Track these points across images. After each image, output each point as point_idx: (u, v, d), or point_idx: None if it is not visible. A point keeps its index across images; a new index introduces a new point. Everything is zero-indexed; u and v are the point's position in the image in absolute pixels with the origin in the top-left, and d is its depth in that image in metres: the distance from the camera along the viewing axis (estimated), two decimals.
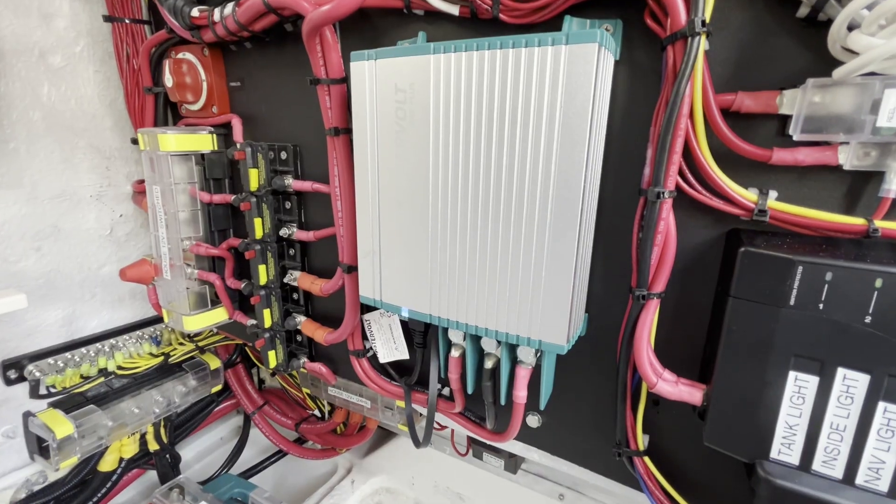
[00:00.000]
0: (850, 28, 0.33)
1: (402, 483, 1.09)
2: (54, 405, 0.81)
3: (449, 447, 1.00)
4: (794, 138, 0.37)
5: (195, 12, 0.63)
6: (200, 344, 0.99)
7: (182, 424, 1.06)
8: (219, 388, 1.03)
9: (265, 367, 0.79)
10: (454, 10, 0.49)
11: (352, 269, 0.61)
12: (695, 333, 0.47)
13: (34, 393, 0.81)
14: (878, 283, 0.34)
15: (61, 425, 0.78)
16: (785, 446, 0.39)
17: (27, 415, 0.79)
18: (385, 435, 1.19)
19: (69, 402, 0.82)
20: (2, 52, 0.73)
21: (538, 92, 0.40)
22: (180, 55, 0.73)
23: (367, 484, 1.10)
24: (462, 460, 1.01)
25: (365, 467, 1.14)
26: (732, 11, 0.39)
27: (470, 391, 0.57)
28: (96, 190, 0.88)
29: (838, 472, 0.38)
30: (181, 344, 0.99)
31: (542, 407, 0.54)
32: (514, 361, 0.51)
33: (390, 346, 0.67)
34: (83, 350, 0.86)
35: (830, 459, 0.38)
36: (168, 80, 0.72)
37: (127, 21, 0.77)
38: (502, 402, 0.54)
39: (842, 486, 0.38)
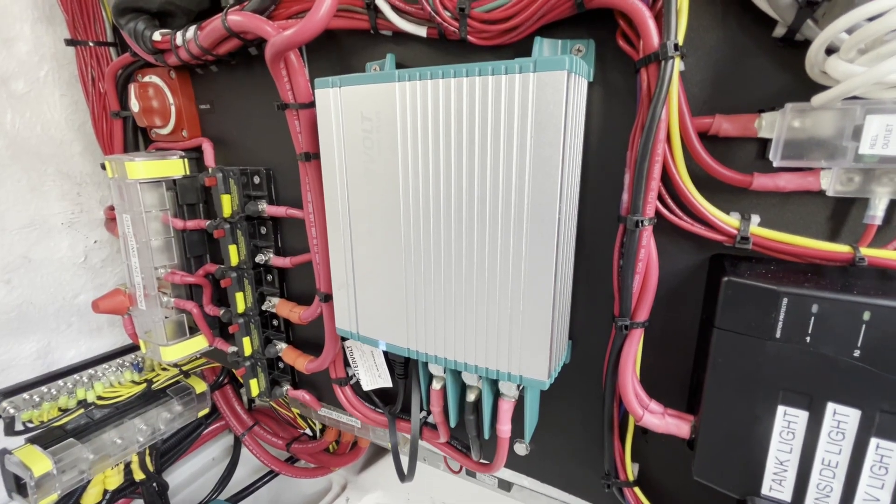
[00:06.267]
0: (829, 51, 0.31)
1: (398, 500, 1.07)
2: (32, 441, 0.78)
3: (442, 464, 0.98)
4: (775, 164, 0.35)
5: (157, 36, 0.60)
6: (185, 368, 0.97)
7: (169, 451, 1.04)
8: (206, 411, 1.00)
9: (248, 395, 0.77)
10: (421, 31, 0.47)
11: (329, 298, 0.59)
12: (682, 360, 0.46)
13: (9, 430, 0.78)
14: (867, 315, 0.32)
15: (39, 462, 0.75)
16: (776, 482, 0.38)
17: (3, 452, 0.77)
18: (379, 451, 1.17)
19: (47, 437, 0.80)
20: None
21: (507, 120, 0.38)
22: (146, 78, 0.71)
23: (363, 501, 1.08)
24: (457, 477, 1.00)
25: (360, 484, 1.12)
26: (707, 31, 0.37)
27: (453, 424, 0.55)
28: (68, 217, 0.85)
29: None
30: (164, 369, 0.96)
31: (527, 439, 0.52)
32: (497, 394, 0.49)
33: (373, 374, 0.65)
34: (60, 382, 0.84)
35: (823, 497, 0.36)
36: (134, 106, 0.69)
37: (91, 44, 0.74)
38: (486, 436, 0.52)
39: None
